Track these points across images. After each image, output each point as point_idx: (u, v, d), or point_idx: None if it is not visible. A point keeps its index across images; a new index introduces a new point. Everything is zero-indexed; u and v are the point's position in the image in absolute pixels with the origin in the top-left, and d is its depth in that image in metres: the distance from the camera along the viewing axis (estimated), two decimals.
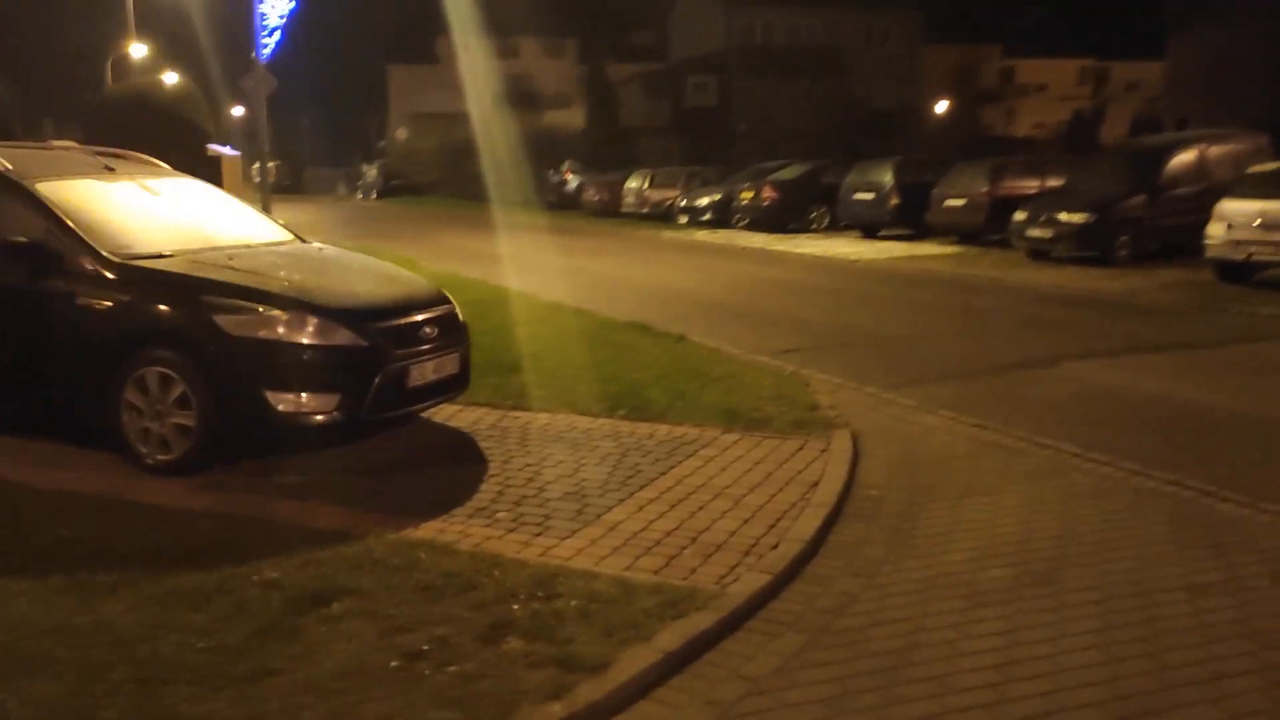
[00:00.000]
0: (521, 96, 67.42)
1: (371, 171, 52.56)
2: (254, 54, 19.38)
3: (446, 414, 7.28)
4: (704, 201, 27.65)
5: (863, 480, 6.07)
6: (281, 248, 7.00)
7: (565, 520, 5.23)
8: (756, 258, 20.32)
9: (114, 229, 6.35)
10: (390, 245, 22.95)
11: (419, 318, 6.27)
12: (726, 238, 24.21)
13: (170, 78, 14.20)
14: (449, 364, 6.44)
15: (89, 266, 6.02)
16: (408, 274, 7.00)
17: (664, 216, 29.81)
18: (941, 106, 59.55)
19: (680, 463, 6.21)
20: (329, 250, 7.35)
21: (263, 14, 17.24)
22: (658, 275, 17.17)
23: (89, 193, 6.63)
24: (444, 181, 44.18)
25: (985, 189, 20.30)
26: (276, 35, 18.09)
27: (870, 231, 23.25)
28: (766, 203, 24.96)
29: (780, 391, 8.02)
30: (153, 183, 7.18)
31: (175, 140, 13.73)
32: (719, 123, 49.12)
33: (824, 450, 6.51)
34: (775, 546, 4.92)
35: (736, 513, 5.38)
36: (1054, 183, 19.90)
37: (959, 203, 20.77)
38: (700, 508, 5.45)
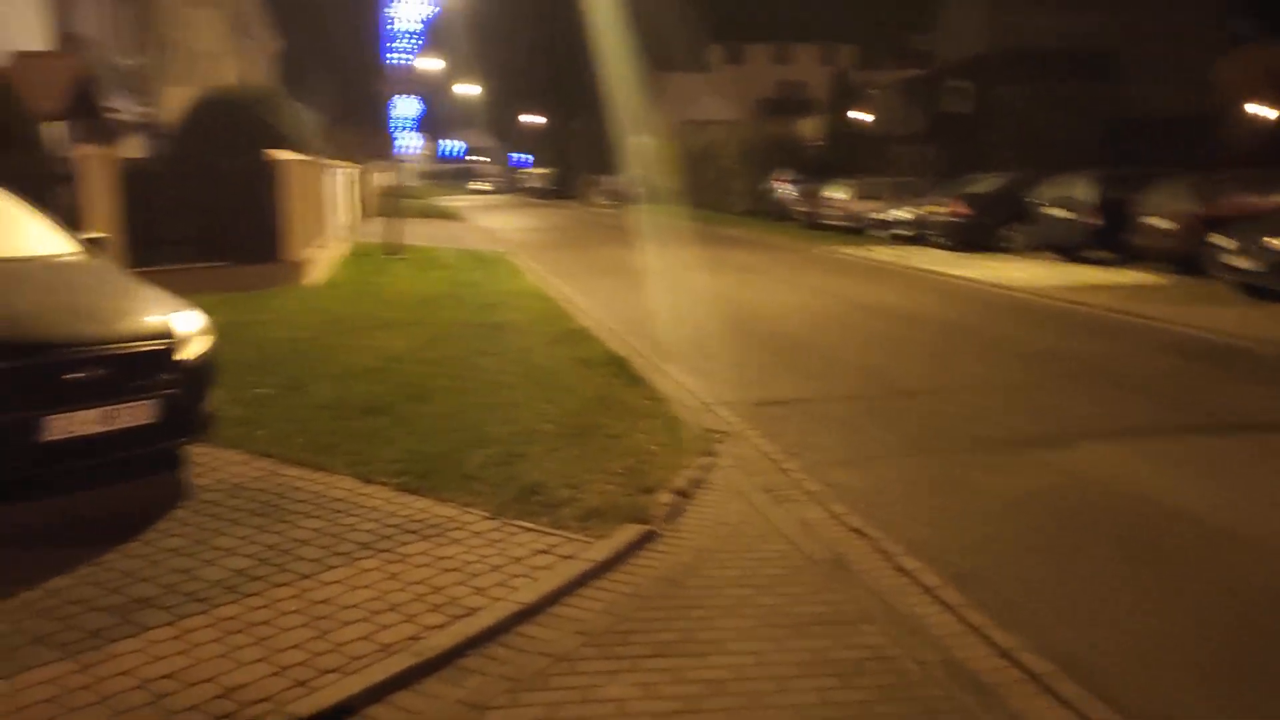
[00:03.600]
0: (788, 104, 66.02)
1: (614, 179, 53.06)
2: (381, 59, 19.17)
3: (212, 464, 6.15)
4: (900, 216, 25.20)
5: (562, 611, 4.42)
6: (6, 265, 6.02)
7: (26, 656, 3.89)
8: (906, 281, 17.96)
9: None
10: (541, 254, 22.38)
11: (69, 358, 5.09)
12: (901, 256, 21.76)
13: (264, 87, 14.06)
14: (127, 414, 5.26)
15: None
16: (133, 300, 5.70)
17: (865, 230, 27.53)
18: (1255, 111, 52.51)
19: (354, 563, 4.78)
20: (74, 270, 6.28)
21: (390, 18, 16.92)
22: (765, 298, 15.36)
23: None
24: (683, 190, 43.44)
25: (1195, 208, 17.01)
26: (405, 40, 17.83)
27: (1069, 255, 20.25)
28: (956, 219, 22.33)
29: (644, 463, 6.35)
30: None
31: (231, 141, 13.49)
32: (974, 130, 45.58)
33: (568, 557, 4.89)
34: None
35: (295, 653, 3.91)
36: None
37: (1164, 224, 17.56)
38: (259, 641, 4.01)
